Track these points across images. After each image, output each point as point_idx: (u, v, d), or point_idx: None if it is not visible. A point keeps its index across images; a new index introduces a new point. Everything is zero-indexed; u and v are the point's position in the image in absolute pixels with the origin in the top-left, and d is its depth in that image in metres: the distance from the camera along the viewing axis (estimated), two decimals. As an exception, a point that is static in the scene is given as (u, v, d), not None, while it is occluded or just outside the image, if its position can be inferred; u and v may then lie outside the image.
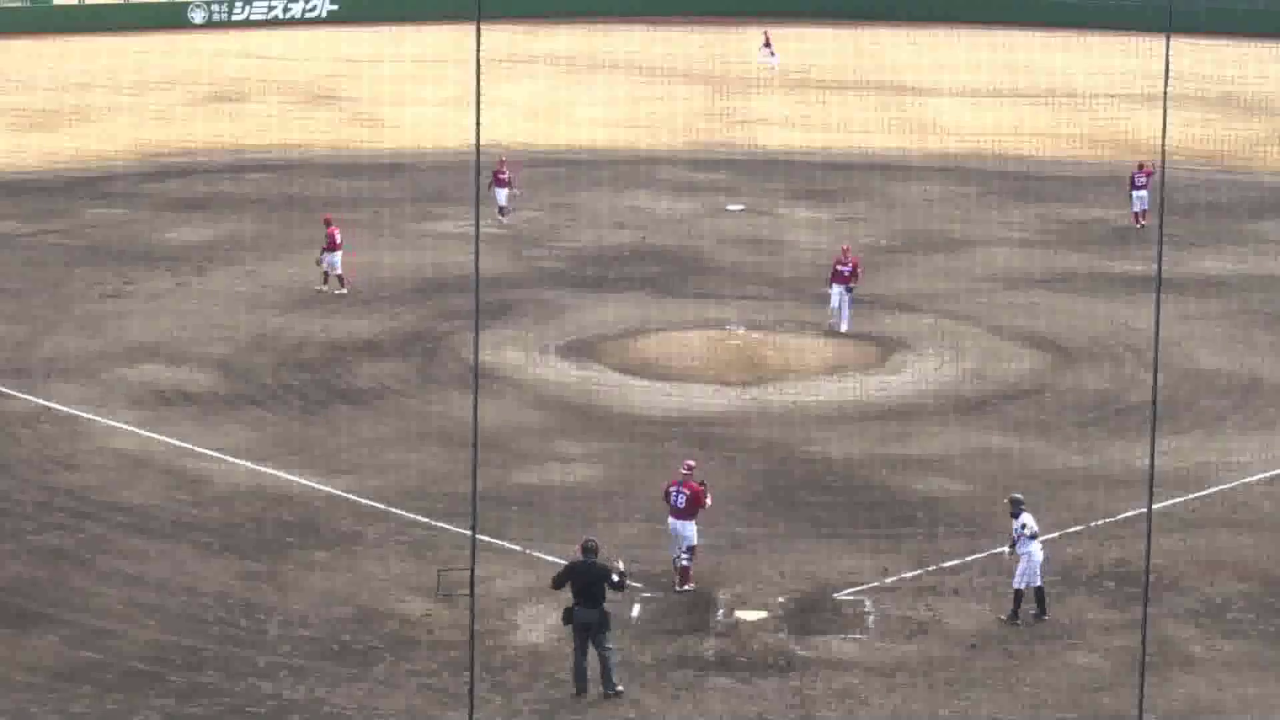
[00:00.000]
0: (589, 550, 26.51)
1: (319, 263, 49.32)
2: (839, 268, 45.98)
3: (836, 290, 45.86)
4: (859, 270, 46.24)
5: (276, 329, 45.34)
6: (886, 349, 44.15)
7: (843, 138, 75.25)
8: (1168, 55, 23.56)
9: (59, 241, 55.56)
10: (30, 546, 31.14)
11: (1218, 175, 68.45)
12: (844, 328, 45.47)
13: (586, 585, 26.01)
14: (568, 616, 26.07)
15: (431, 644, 27.41)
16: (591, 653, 25.82)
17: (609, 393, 40.54)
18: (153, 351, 43.19)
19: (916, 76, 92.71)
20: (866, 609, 28.93)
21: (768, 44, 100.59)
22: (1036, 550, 28.47)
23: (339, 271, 48.99)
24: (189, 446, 36.40)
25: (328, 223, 49.69)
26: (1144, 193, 58.32)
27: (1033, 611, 28.49)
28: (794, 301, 48.63)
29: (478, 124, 22.94)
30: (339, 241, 49.08)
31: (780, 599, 29.23)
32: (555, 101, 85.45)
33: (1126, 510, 32.77)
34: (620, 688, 25.82)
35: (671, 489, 29.33)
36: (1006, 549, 28.98)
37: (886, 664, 27.01)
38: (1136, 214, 59.14)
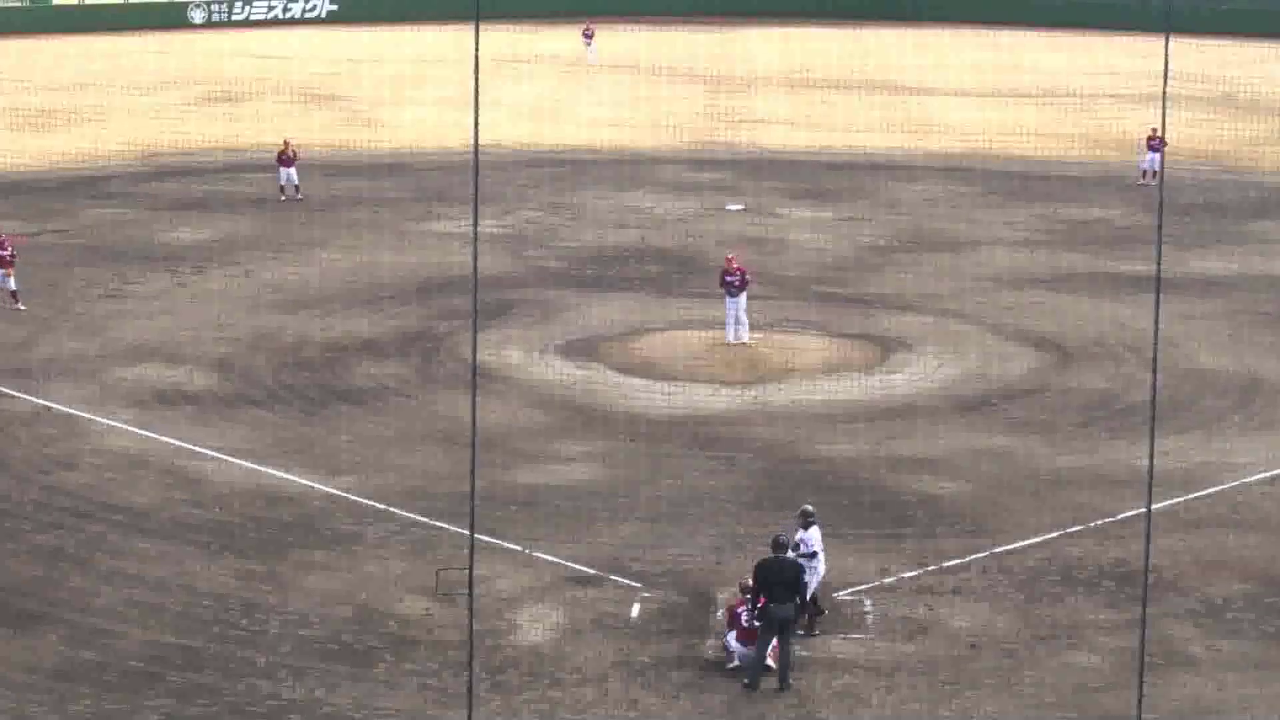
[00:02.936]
0: (780, 546, 26.55)
1: None
2: (727, 279, 43.92)
3: (730, 303, 43.79)
4: (747, 279, 44.12)
5: (276, 329, 45.33)
6: (886, 349, 44.13)
7: (843, 138, 75.29)
8: (1167, 55, 23.53)
9: (58, 241, 55.58)
10: (30, 546, 31.12)
11: (1218, 175, 68.51)
12: (745, 338, 43.85)
13: (780, 581, 26.05)
14: (763, 613, 26.06)
15: (431, 644, 27.39)
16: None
17: (609, 393, 40.53)
18: (152, 351, 43.17)
19: (916, 76, 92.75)
20: (866, 609, 28.91)
21: (589, 35, 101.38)
22: (819, 565, 27.99)
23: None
24: (188, 446, 36.38)
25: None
26: (1156, 155, 61.34)
27: (800, 630, 27.55)
28: (794, 301, 48.61)
29: (476, 124, 22.92)
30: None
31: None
32: (555, 101, 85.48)
33: (1126, 510, 32.75)
34: (789, 684, 26.00)
35: (740, 610, 27.28)
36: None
37: (886, 664, 26.99)
38: (1144, 171, 63.78)
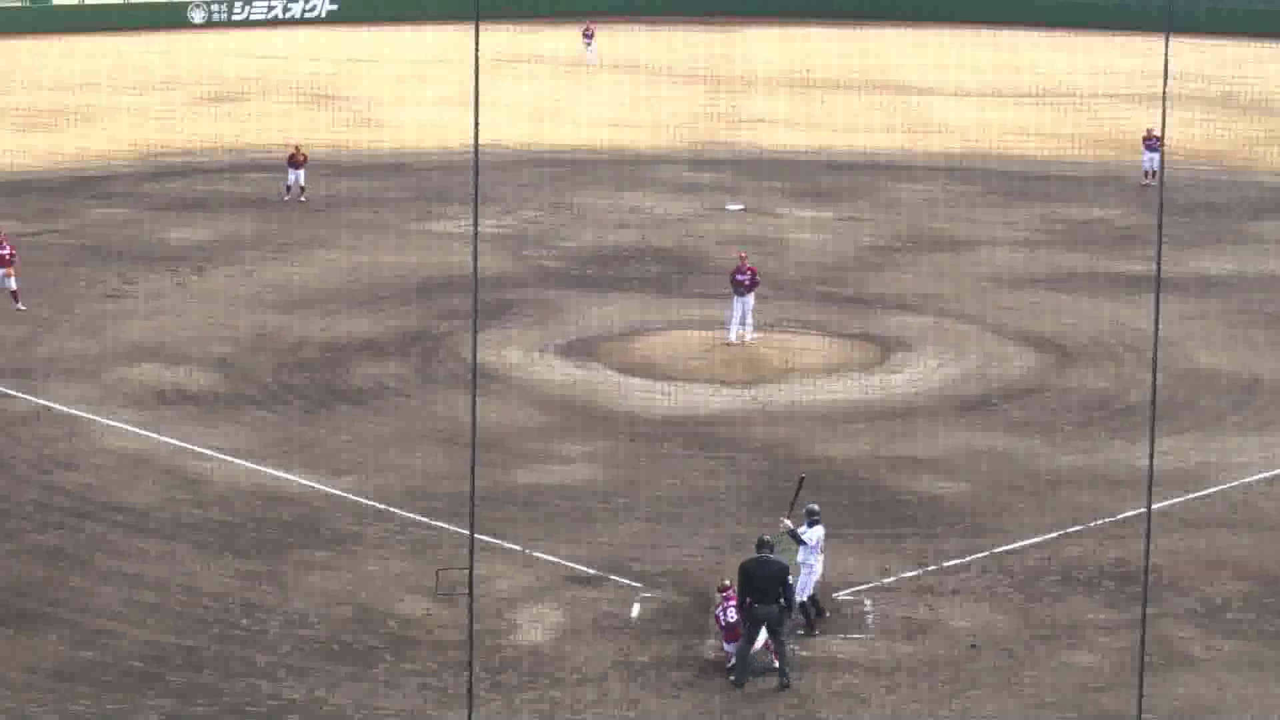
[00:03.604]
0: (764, 545, 26.60)
1: None
2: (738, 277, 43.96)
3: (738, 301, 43.85)
4: (757, 279, 44.15)
5: (276, 329, 45.34)
6: (886, 349, 44.14)
7: (843, 138, 75.25)
8: (1167, 55, 23.55)
9: (60, 241, 55.58)
10: (30, 546, 31.12)
11: (1218, 175, 68.52)
12: (749, 338, 43.97)
13: (763, 582, 26.10)
14: (749, 613, 26.10)
15: (431, 644, 27.41)
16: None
17: (609, 393, 40.53)
18: (153, 351, 43.18)
19: (917, 76, 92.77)
20: (866, 609, 28.92)
21: (589, 35, 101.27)
22: (817, 564, 28.16)
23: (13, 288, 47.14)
24: (189, 446, 36.38)
25: None
26: (1154, 154, 62.96)
27: (800, 630, 27.72)
28: (794, 301, 48.60)
29: (476, 124, 22.93)
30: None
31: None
32: (555, 101, 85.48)
33: (1126, 510, 32.77)
34: (788, 683, 26.01)
35: (718, 611, 27.39)
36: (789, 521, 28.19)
37: (886, 664, 27.01)
38: (1146, 171, 65.09)
